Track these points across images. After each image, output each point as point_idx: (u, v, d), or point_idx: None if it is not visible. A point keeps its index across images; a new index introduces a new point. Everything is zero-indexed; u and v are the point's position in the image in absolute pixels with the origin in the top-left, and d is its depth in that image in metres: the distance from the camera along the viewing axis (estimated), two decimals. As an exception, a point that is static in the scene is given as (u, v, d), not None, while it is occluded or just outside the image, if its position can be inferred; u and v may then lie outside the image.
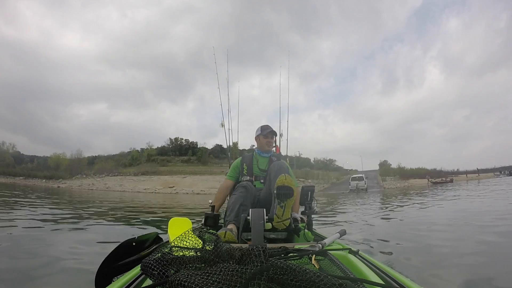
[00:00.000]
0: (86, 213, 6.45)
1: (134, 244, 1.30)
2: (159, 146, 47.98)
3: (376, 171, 41.13)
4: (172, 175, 35.05)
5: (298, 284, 0.52)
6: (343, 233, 1.35)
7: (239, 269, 0.56)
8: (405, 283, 0.73)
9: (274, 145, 2.70)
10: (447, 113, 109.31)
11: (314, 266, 0.87)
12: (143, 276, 0.79)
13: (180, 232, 0.89)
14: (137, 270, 0.85)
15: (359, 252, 1.02)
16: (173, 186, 29.56)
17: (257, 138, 2.20)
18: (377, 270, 0.83)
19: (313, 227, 1.71)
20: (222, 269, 0.58)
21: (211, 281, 0.54)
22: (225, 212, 1.83)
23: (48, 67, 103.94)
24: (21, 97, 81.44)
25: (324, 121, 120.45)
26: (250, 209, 1.51)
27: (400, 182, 30.74)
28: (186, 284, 0.54)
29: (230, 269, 0.57)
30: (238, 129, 3.29)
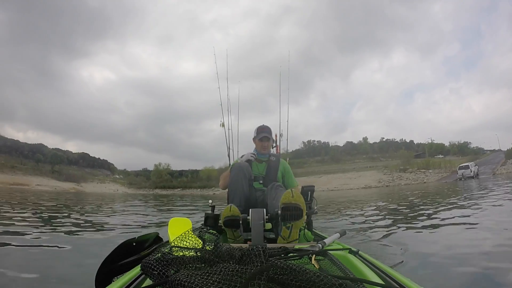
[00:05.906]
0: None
1: (134, 244, 1.30)
2: (293, 149, 52.99)
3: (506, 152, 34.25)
4: (309, 176, 37.61)
5: (298, 284, 0.52)
6: (343, 233, 1.35)
7: (239, 269, 0.56)
8: (405, 283, 0.73)
9: (274, 145, 2.69)
10: None
11: (314, 266, 0.87)
12: (143, 276, 0.78)
13: (180, 232, 0.89)
14: (137, 270, 0.85)
15: (359, 252, 1.02)
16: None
17: (254, 139, 2.19)
18: (377, 270, 0.83)
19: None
20: (222, 269, 0.58)
21: (211, 281, 0.54)
22: (227, 197, 1.92)
23: (175, 94, 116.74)
24: (158, 123, 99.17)
25: (457, 95, 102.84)
26: (250, 209, 1.51)
27: (522, 166, 25.43)
28: (186, 284, 0.54)
29: (230, 269, 0.57)
30: (238, 129, 3.28)
